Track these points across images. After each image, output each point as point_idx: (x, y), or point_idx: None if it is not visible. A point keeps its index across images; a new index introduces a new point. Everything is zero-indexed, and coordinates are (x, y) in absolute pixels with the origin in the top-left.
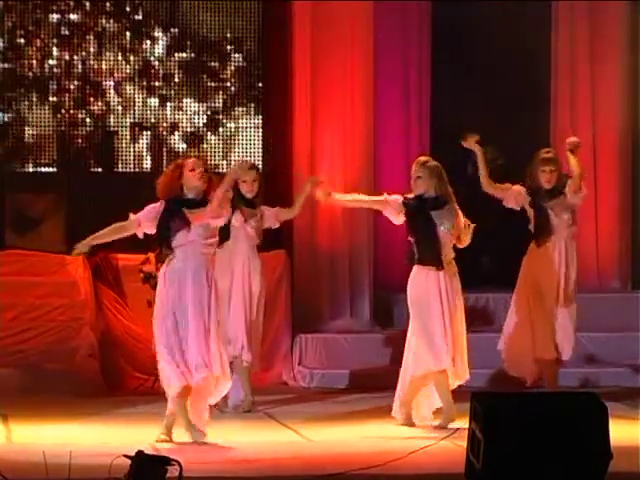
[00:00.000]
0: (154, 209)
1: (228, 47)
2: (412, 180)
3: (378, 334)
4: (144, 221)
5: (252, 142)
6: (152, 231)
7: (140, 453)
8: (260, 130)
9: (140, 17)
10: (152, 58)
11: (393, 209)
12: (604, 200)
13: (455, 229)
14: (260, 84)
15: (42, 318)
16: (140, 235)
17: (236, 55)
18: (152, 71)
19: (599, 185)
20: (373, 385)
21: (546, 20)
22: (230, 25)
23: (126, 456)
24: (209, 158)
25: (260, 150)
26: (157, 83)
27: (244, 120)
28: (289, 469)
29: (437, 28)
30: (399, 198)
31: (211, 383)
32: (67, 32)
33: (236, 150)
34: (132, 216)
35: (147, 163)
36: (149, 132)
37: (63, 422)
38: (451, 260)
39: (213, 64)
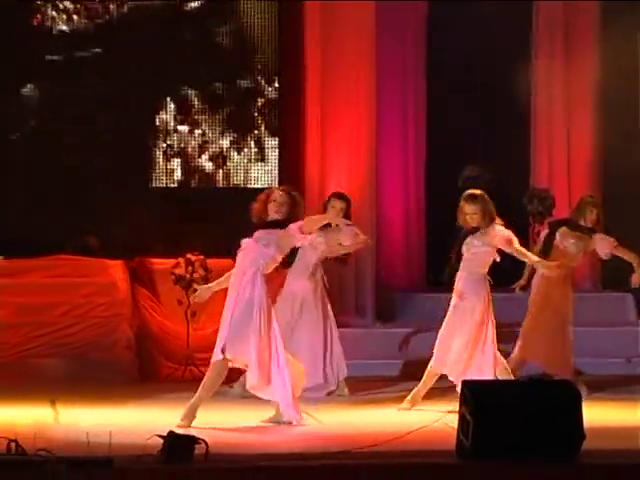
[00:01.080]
0: None
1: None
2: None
3: (380, 330)
4: None
5: (270, 162)
6: None
7: (171, 433)
8: (277, 150)
9: None
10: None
11: None
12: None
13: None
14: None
15: (86, 314)
16: None
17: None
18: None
19: (572, 199)
20: (375, 375)
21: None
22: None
23: (159, 435)
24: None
25: (277, 169)
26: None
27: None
28: (304, 447)
29: (433, 53)
30: None
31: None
32: None
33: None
34: None
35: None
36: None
37: (104, 406)
38: None
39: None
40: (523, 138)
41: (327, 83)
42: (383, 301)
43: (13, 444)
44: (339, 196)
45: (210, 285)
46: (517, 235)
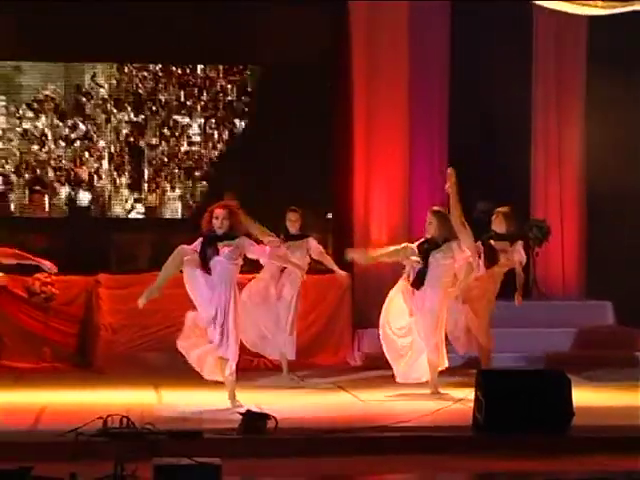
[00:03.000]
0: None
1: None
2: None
3: None
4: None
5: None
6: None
7: (248, 411)
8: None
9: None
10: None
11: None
12: (569, 235)
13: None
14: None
15: (179, 317)
16: None
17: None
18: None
19: (564, 224)
20: None
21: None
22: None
23: (239, 413)
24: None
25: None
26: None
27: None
28: (347, 421)
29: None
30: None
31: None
32: None
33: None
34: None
35: None
36: None
37: (196, 389)
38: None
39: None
40: (525, 179)
41: (371, 126)
42: None
43: (125, 419)
44: (292, 210)
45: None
46: None
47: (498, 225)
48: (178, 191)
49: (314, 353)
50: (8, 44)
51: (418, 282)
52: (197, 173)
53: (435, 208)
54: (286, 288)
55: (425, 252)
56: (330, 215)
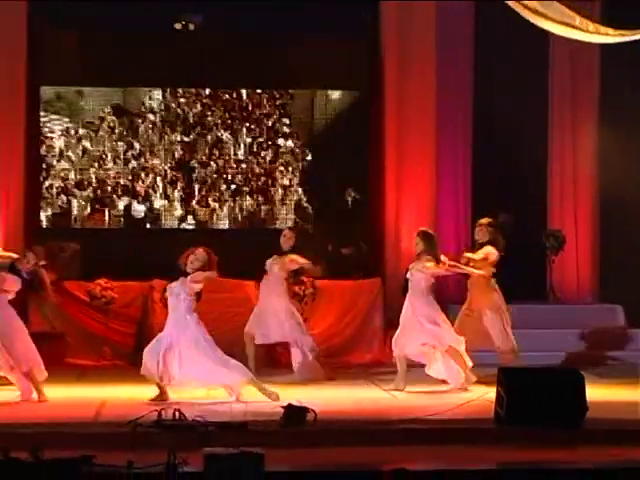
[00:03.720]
0: None
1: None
2: None
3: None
4: None
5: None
6: None
7: (289, 404)
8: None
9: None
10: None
11: None
12: (582, 244)
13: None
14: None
15: (230, 319)
16: None
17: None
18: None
19: (578, 234)
20: None
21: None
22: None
23: (281, 406)
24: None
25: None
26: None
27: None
28: (379, 414)
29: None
30: None
31: None
32: None
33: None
34: None
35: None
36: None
37: None
38: None
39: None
40: (542, 193)
41: (401, 149)
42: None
43: (177, 412)
44: (289, 228)
45: None
46: (536, 263)
47: (481, 236)
48: (225, 205)
49: (349, 352)
50: (72, 71)
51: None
52: (245, 188)
53: (421, 229)
54: None
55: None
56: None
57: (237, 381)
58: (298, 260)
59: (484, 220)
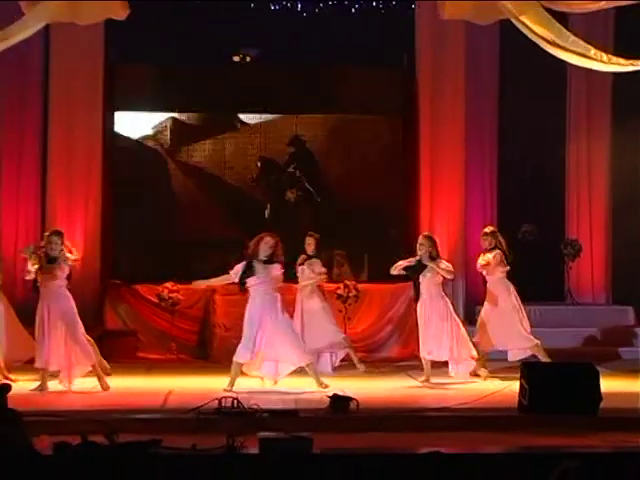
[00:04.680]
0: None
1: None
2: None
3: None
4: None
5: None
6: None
7: (335, 394)
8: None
9: None
10: None
11: None
12: (597, 251)
13: None
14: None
15: None
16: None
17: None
18: None
19: (593, 242)
20: None
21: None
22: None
23: (327, 395)
24: None
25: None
26: None
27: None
28: (415, 403)
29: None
30: None
31: None
32: None
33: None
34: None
35: None
36: None
37: (293, 377)
38: None
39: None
40: (560, 206)
41: (435, 165)
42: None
43: (236, 401)
44: (310, 234)
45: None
46: (555, 268)
47: (487, 244)
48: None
49: (388, 348)
50: (142, 98)
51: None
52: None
53: (425, 233)
54: None
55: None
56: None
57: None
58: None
59: (487, 229)
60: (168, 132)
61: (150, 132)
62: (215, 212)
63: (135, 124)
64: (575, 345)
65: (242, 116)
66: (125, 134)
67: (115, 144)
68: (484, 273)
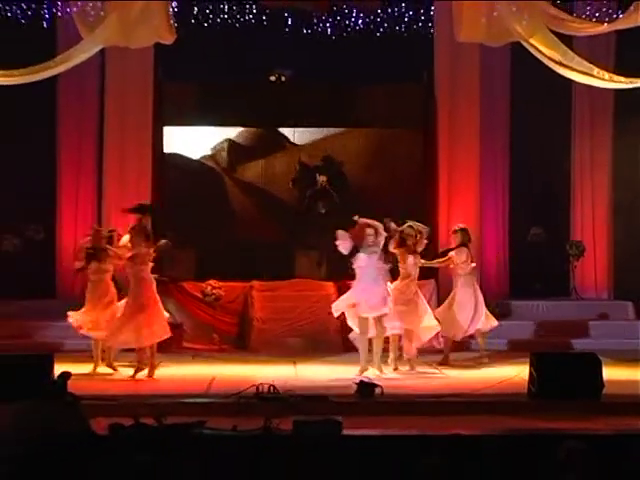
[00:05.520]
0: None
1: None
2: None
3: None
4: None
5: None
6: None
7: (361, 381)
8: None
9: None
10: None
11: None
12: (600, 251)
13: None
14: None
15: (312, 313)
16: None
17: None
18: None
19: (596, 243)
20: None
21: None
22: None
23: (355, 382)
24: None
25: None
26: None
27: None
28: (434, 389)
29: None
30: None
31: None
32: None
33: None
34: None
35: None
36: None
37: (324, 364)
38: None
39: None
40: (566, 210)
41: (452, 171)
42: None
43: (272, 387)
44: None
45: None
46: (562, 267)
47: (454, 240)
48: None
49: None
50: (188, 114)
51: None
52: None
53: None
54: None
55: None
56: None
57: None
58: None
59: (456, 226)
60: (225, 152)
61: (209, 152)
62: (260, 217)
63: (188, 142)
64: (580, 337)
65: (287, 134)
66: (177, 151)
67: (169, 161)
68: (452, 267)
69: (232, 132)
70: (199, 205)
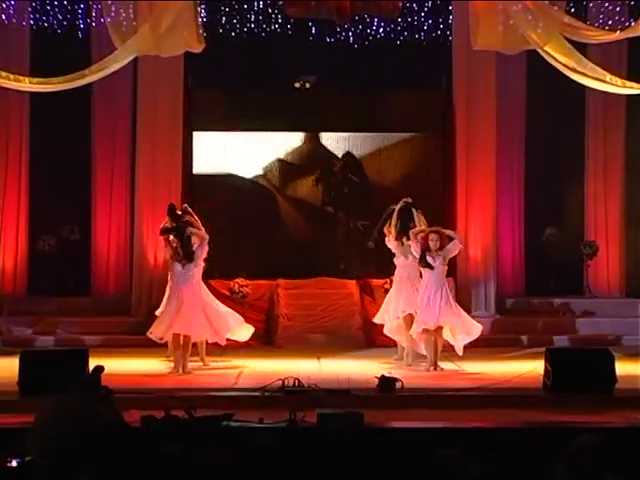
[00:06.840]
0: None
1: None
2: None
3: (497, 316)
4: None
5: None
6: None
7: (383, 375)
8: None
9: None
10: None
11: None
12: (612, 251)
13: None
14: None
15: (335, 310)
16: None
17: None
18: None
19: (609, 243)
20: None
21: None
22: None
23: (376, 377)
24: None
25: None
26: None
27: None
28: (453, 383)
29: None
30: None
31: None
32: None
33: None
34: None
35: None
36: None
37: (347, 359)
38: None
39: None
40: (580, 211)
41: (469, 175)
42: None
43: (297, 381)
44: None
45: None
46: (576, 266)
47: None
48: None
49: None
50: (216, 119)
51: None
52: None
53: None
54: None
55: None
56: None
57: None
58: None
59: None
60: (277, 172)
61: (261, 172)
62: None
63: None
64: (593, 333)
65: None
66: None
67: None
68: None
69: (255, 136)
70: (228, 204)
